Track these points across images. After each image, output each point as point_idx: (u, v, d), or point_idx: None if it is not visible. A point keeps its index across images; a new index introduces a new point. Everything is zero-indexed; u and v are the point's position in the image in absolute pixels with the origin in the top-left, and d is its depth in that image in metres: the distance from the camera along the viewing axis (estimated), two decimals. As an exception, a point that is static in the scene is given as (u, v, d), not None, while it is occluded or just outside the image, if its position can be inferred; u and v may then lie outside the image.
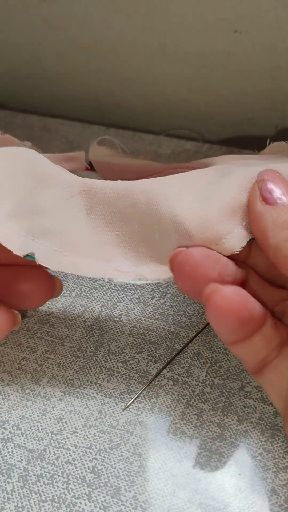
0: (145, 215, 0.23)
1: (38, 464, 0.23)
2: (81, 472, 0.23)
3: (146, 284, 0.31)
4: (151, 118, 0.47)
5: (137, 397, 0.26)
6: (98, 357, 0.28)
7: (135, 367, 0.27)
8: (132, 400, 0.25)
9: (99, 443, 0.24)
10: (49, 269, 0.24)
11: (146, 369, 0.27)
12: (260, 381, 0.22)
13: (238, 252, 0.22)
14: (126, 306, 0.30)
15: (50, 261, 0.22)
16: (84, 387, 0.26)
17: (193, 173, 0.24)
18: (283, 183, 0.21)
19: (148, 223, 0.23)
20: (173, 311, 0.30)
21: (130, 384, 0.26)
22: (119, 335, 0.29)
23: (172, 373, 0.27)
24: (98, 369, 0.27)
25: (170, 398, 0.26)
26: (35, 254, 0.22)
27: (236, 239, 0.22)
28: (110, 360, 0.27)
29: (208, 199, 0.22)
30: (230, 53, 0.39)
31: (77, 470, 0.23)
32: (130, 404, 0.25)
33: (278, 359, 0.22)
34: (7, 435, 0.25)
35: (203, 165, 0.29)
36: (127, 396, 0.26)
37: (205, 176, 0.24)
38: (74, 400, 0.26)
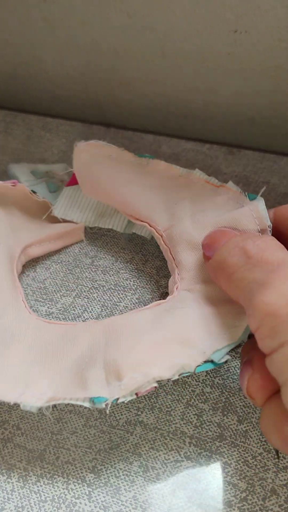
0: (84, 353, 0.24)
1: (38, 464, 0.23)
2: (81, 472, 0.23)
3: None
4: (151, 118, 0.47)
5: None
6: (98, 357, 0.28)
7: (135, 367, 0.27)
8: (130, 398, 0.25)
9: (99, 443, 0.24)
10: None
11: (146, 369, 0.27)
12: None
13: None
14: (126, 306, 0.30)
15: None
16: (84, 387, 0.26)
17: (142, 317, 0.25)
18: (211, 238, 0.25)
19: (84, 360, 0.23)
20: (173, 311, 0.30)
21: (130, 384, 0.26)
22: (119, 335, 0.29)
23: (172, 373, 0.27)
24: (98, 369, 0.27)
25: (170, 398, 0.26)
26: None
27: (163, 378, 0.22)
28: (110, 360, 0.27)
29: (143, 342, 0.23)
30: (230, 53, 0.39)
31: (77, 470, 0.23)
32: (129, 404, 0.25)
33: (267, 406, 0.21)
34: (7, 435, 0.25)
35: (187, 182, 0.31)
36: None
37: (147, 323, 0.25)
38: (74, 400, 0.26)
